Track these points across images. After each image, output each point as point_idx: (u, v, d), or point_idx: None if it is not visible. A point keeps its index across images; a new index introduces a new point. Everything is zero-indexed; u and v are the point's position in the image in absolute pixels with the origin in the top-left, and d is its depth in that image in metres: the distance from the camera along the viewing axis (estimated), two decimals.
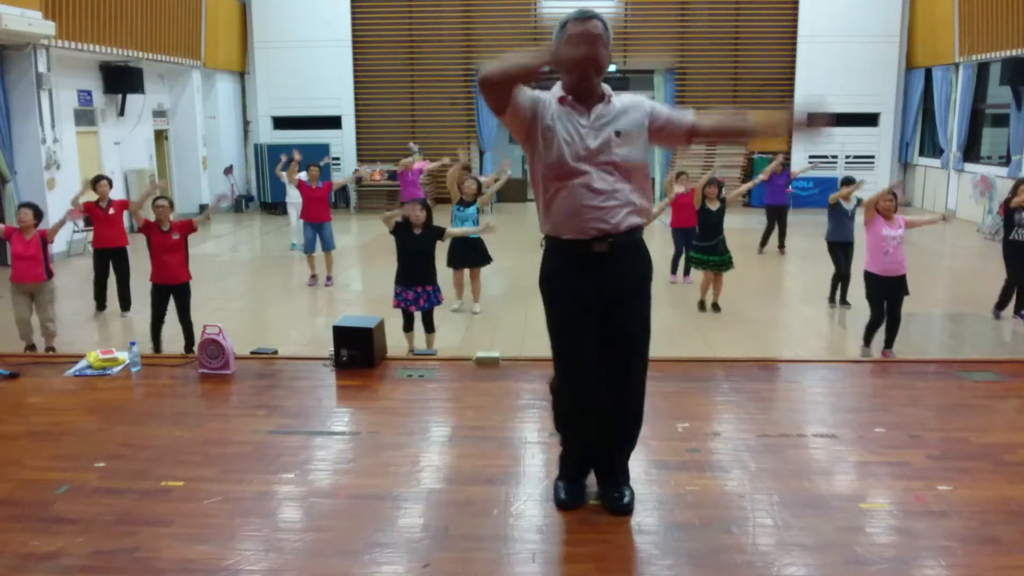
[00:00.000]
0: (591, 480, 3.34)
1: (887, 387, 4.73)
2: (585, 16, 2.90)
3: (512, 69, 2.76)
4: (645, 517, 3.14)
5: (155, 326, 7.01)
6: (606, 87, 3.03)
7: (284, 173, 11.01)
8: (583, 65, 2.88)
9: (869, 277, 6.79)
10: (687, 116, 3.09)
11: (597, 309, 3.02)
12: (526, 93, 2.92)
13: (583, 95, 2.97)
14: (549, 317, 3.12)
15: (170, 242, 6.86)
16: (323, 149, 17.84)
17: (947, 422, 4.08)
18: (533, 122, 2.95)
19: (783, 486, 3.38)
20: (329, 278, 10.32)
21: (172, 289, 6.94)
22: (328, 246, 10.29)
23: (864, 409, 4.35)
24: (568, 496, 3.24)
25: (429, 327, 6.93)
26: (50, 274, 7.01)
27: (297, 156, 11.34)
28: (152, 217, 6.98)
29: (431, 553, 2.90)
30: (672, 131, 3.08)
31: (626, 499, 3.19)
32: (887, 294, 6.75)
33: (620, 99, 3.04)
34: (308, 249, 10.35)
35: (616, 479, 3.25)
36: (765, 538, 2.98)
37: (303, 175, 10.47)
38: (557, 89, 3.01)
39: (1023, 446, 3.77)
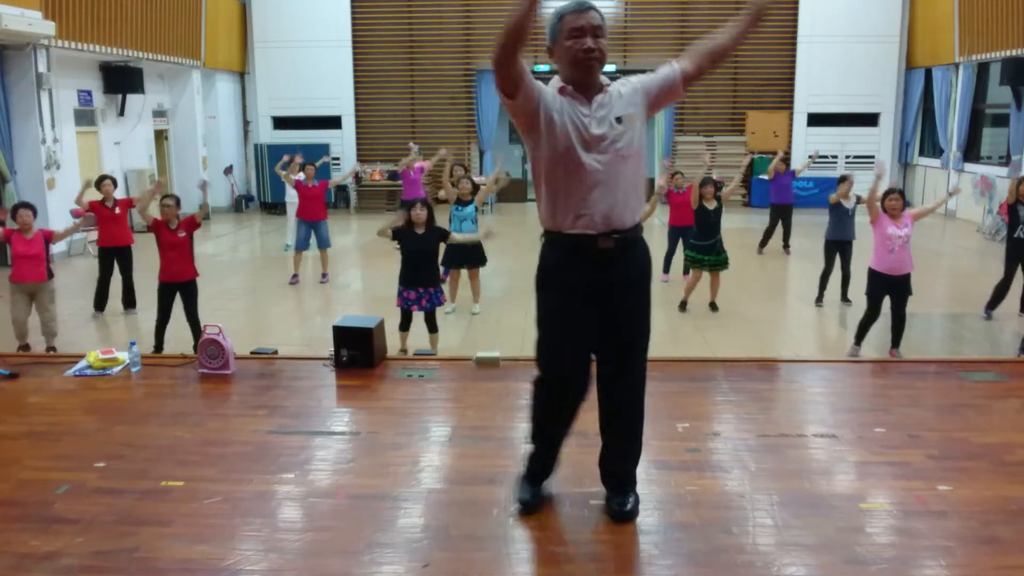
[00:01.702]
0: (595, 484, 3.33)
1: (887, 387, 4.73)
2: (583, 7, 2.90)
3: (510, 23, 2.68)
4: (645, 517, 3.14)
5: (159, 325, 7.04)
6: (603, 77, 3.01)
7: (284, 172, 11.03)
8: (581, 60, 2.87)
9: (872, 274, 6.79)
10: (675, 69, 3.07)
11: (597, 307, 2.99)
12: (534, 81, 2.89)
13: (583, 86, 2.94)
14: (543, 311, 3.07)
15: (176, 240, 6.91)
16: (323, 149, 17.86)
17: (947, 422, 4.08)
18: (538, 110, 2.90)
19: (783, 486, 3.38)
20: (324, 275, 10.35)
21: (179, 287, 6.98)
22: (324, 244, 10.32)
23: (864, 409, 4.35)
24: (531, 498, 3.20)
25: (433, 327, 6.92)
26: (51, 274, 7.03)
27: (298, 159, 11.36)
28: (159, 215, 6.99)
29: (431, 553, 2.90)
30: (668, 89, 3.07)
31: (628, 506, 3.14)
32: (889, 293, 6.76)
33: (613, 86, 3.02)
34: (300, 247, 10.35)
35: (622, 486, 3.19)
36: (765, 538, 2.98)
37: (300, 175, 10.51)
38: (556, 82, 2.98)
39: (1023, 446, 3.77)
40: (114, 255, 8.60)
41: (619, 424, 3.16)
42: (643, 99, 3.03)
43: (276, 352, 5.43)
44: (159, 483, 3.43)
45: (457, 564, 2.85)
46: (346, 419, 4.28)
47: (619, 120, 2.92)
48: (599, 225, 2.91)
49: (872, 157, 18.26)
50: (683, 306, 8.79)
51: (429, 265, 6.77)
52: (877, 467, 3.58)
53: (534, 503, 3.21)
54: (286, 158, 11.37)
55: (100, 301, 8.65)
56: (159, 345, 7.03)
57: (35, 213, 6.99)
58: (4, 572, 2.78)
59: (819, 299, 9.01)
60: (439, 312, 7.13)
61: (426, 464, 3.65)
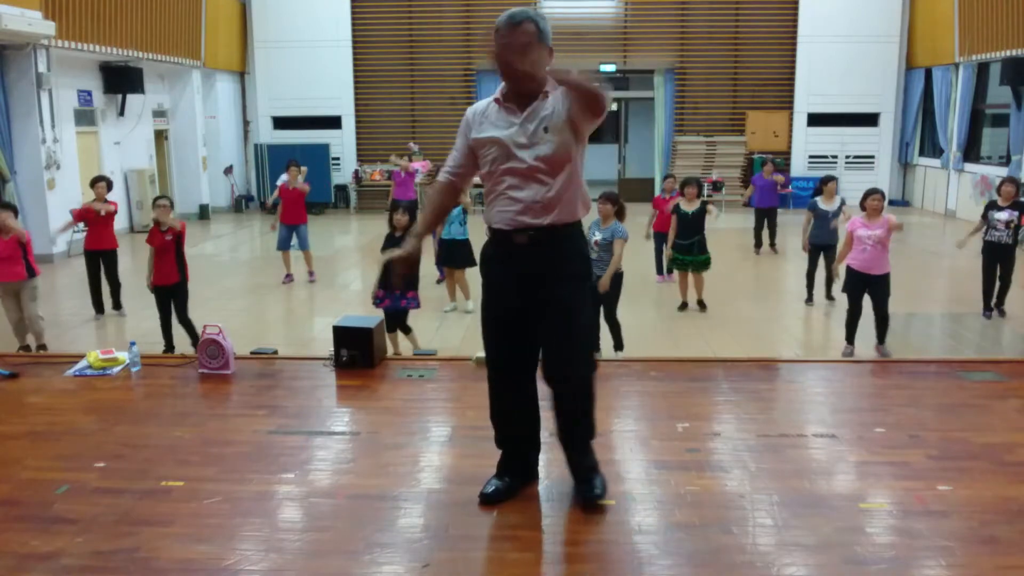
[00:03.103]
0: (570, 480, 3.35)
1: (887, 387, 4.73)
2: (515, 21, 2.92)
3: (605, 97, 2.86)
4: (645, 517, 3.14)
5: (163, 326, 7.13)
6: (551, 83, 3.00)
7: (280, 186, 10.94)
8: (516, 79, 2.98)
9: (848, 271, 6.93)
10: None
11: (520, 300, 3.10)
12: (463, 146, 3.15)
13: (518, 96, 3.03)
14: (481, 302, 3.27)
15: (163, 243, 6.91)
16: (323, 149, 17.88)
17: (947, 422, 4.08)
18: (471, 151, 3.15)
19: (783, 486, 3.38)
20: (311, 273, 10.39)
21: (166, 290, 7.00)
22: (303, 246, 10.36)
23: (864, 409, 4.35)
24: (492, 489, 3.25)
25: (404, 328, 6.87)
26: (32, 272, 6.93)
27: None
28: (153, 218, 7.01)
29: (431, 553, 2.90)
30: (572, 100, 2.94)
31: (596, 489, 3.18)
32: (868, 291, 6.85)
33: (555, 94, 3.02)
34: (280, 246, 10.33)
35: (585, 473, 3.23)
36: (765, 538, 2.98)
37: (284, 176, 10.47)
38: (499, 87, 3.10)
39: (1023, 446, 3.77)
40: (99, 257, 8.54)
41: (560, 416, 3.22)
42: (566, 107, 3.00)
43: (276, 352, 5.43)
44: (159, 483, 3.43)
45: (457, 564, 2.85)
46: (346, 419, 4.28)
47: (546, 129, 3.00)
48: (514, 223, 3.05)
49: (872, 157, 18.25)
50: (684, 306, 8.80)
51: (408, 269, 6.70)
52: (877, 467, 3.58)
53: (491, 494, 3.23)
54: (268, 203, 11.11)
55: (97, 303, 8.63)
56: (169, 344, 7.09)
57: (16, 213, 6.95)
58: (4, 572, 2.78)
59: (809, 298, 9.09)
60: (438, 309, 7.10)
61: (426, 464, 3.66)
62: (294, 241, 10.35)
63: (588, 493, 3.18)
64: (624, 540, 3.01)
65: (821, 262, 8.84)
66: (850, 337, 7.05)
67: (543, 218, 3.02)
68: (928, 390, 4.66)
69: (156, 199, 7.11)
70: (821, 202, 8.77)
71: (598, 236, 6.62)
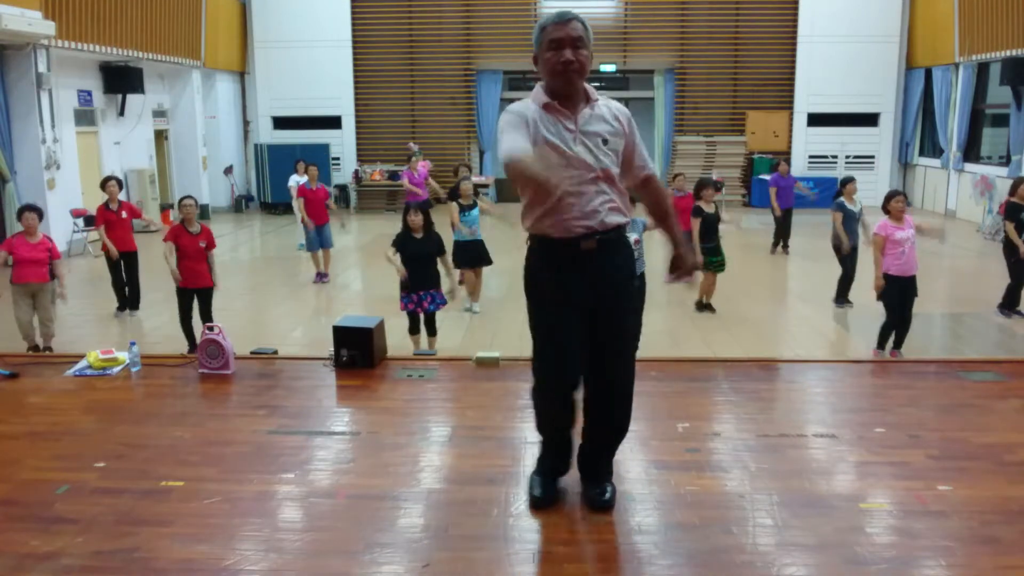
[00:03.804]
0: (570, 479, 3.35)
1: (887, 387, 4.73)
2: (565, 18, 2.91)
3: (529, 172, 2.75)
4: (645, 517, 3.14)
5: (184, 323, 7.27)
6: (590, 88, 3.02)
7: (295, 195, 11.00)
8: (563, 85, 2.91)
9: (888, 279, 6.75)
10: (649, 166, 3.15)
11: (583, 307, 3.03)
12: (526, 132, 2.94)
13: (567, 99, 2.97)
14: (535, 315, 3.12)
15: (197, 249, 7.14)
16: (323, 149, 17.87)
17: (947, 422, 4.08)
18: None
19: (783, 486, 3.38)
20: (325, 275, 10.48)
21: (196, 292, 7.23)
22: (327, 244, 10.53)
23: (864, 409, 4.34)
24: (543, 493, 3.24)
25: (432, 330, 6.97)
26: (52, 275, 7.08)
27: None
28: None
29: (431, 553, 2.90)
30: (631, 167, 3.09)
31: (607, 495, 3.21)
32: (901, 295, 6.76)
33: (605, 102, 3.04)
34: (312, 247, 10.55)
35: (601, 476, 3.27)
36: (765, 538, 2.98)
37: (302, 178, 10.55)
38: (539, 92, 3.00)
39: (1023, 446, 3.77)
40: (120, 259, 8.67)
41: (607, 422, 3.20)
42: (623, 141, 3.04)
43: (276, 352, 5.43)
44: (159, 483, 3.43)
45: (457, 564, 2.85)
46: (346, 419, 4.28)
47: (604, 141, 2.97)
48: (578, 230, 2.96)
49: (872, 157, 18.26)
50: (700, 305, 8.77)
51: (428, 268, 6.80)
52: (877, 467, 3.58)
53: (545, 499, 3.23)
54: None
55: (121, 298, 8.79)
56: (191, 341, 7.15)
57: (40, 216, 7.07)
58: (4, 572, 2.78)
59: (844, 299, 8.88)
60: (449, 310, 7.15)
61: (426, 464, 3.65)
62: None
63: (600, 498, 3.20)
64: (624, 540, 3.01)
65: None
66: (884, 344, 6.95)
67: (607, 223, 2.98)
68: (928, 390, 4.66)
69: (182, 199, 7.33)
70: (845, 202, 8.72)
71: (634, 235, 6.63)
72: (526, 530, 3.06)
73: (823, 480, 3.47)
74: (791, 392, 4.75)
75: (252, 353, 5.30)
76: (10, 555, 2.87)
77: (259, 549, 2.93)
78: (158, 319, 8.50)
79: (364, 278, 11.18)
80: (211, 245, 7.30)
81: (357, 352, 4.84)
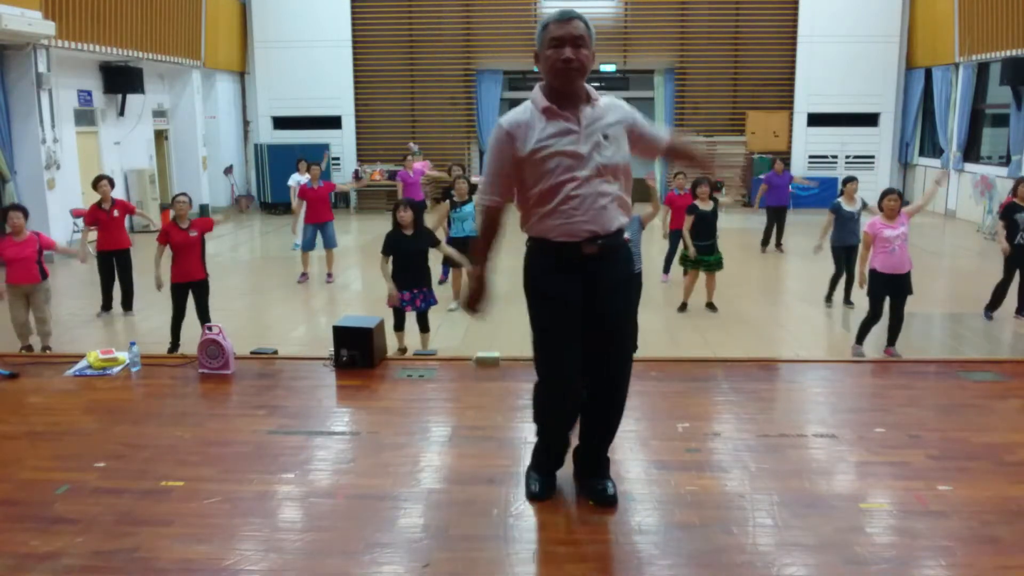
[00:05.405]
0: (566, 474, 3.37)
1: (887, 387, 4.73)
2: (566, 17, 2.91)
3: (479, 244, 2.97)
4: (645, 517, 3.14)
5: (175, 323, 7.13)
6: (590, 88, 3.02)
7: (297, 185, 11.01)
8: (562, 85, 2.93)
9: (874, 275, 6.81)
10: (663, 134, 3.20)
11: (582, 307, 3.04)
12: (507, 178, 3.02)
13: (568, 100, 2.96)
14: (535, 316, 3.13)
15: (187, 240, 6.99)
16: (323, 149, 17.86)
17: (947, 422, 4.08)
18: (516, 168, 2.99)
19: (783, 486, 3.38)
20: (329, 275, 10.43)
21: (190, 286, 7.08)
22: (330, 243, 10.44)
23: (864, 409, 4.35)
24: (540, 488, 3.28)
25: (424, 327, 6.91)
26: (44, 275, 6.98)
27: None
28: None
29: (431, 553, 2.90)
30: (648, 145, 3.17)
31: (610, 491, 3.24)
32: (891, 292, 6.77)
33: (603, 100, 3.04)
34: (307, 247, 10.46)
35: (603, 471, 3.30)
36: (765, 538, 2.98)
37: (303, 177, 10.54)
38: (538, 95, 2.98)
39: (1023, 446, 3.77)
40: (112, 258, 8.59)
41: (604, 416, 3.22)
42: (628, 130, 3.06)
43: (276, 352, 5.43)
44: (159, 483, 3.43)
45: (457, 564, 2.85)
46: (346, 419, 4.28)
47: (606, 137, 2.97)
48: (582, 234, 2.97)
49: (872, 157, 18.25)
50: (685, 307, 8.79)
51: (420, 266, 6.77)
52: (877, 467, 3.58)
53: (542, 492, 3.26)
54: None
55: (107, 299, 8.67)
56: (175, 343, 7.08)
57: (26, 215, 6.98)
58: (4, 572, 2.78)
59: (828, 298, 9.02)
60: (441, 310, 7.12)
61: (426, 464, 3.66)
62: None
63: (604, 494, 3.23)
64: (624, 540, 3.01)
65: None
66: (861, 339, 7.02)
67: (609, 226, 2.99)
68: (928, 390, 4.66)
69: (175, 196, 7.20)
70: (844, 203, 8.72)
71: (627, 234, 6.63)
72: (526, 530, 3.07)
73: (823, 480, 3.47)
74: (791, 392, 4.75)
75: (252, 353, 5.31)
76: (10, 555, 2.87)
77: (259, 549, 2.93)
78: (158, 319, 8.48)
79: (364, 278, 11.17)
80: (206, 229, 7.15)
81: (357, 352, 4.84)
